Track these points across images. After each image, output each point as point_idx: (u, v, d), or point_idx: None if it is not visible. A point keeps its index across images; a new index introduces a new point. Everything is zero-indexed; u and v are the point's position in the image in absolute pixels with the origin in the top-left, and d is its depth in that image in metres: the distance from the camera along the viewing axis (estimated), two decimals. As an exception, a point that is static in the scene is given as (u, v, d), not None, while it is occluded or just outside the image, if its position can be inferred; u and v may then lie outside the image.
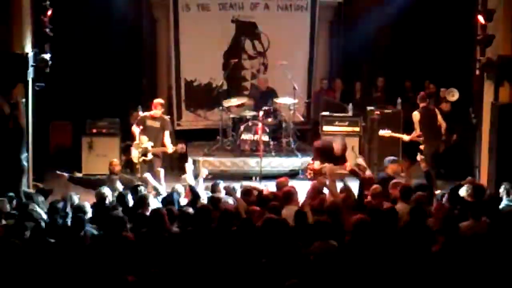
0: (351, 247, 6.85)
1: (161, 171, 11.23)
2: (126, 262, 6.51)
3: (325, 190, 9.16)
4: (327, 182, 9.13)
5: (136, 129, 11.54)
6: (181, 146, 11.75)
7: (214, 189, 9.64)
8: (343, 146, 11.22)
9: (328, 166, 10.20)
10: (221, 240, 7.00)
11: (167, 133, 11.65)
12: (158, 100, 11.82)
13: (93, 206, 8.77)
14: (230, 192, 9.34)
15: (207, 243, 6.93)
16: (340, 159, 10.98)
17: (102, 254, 6.72)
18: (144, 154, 11.29)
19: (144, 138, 11.36)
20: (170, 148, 11.56)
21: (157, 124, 11.59)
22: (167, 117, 12.07)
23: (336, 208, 8.06)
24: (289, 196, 8.57)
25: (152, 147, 11.34)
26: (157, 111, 11.57)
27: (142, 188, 9.49)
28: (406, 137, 11.91)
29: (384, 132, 12.06)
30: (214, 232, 7.28)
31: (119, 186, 10.01)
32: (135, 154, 11.39)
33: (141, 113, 11.90)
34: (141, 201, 8.56)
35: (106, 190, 9.16)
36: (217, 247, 6.81)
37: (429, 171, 10.39)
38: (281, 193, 8.86)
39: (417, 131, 11.79)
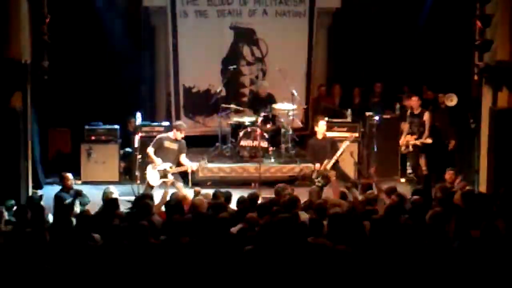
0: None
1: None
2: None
3: None
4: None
5: (151, 150, 11.28)
6: (204, 162, 11.82)
7: (215, 197, 9.62)
8: None
9: None
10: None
11: (183, 155, 11.46)
12: (183, 125, 11.62)
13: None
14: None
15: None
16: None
17: None
18: (164, 175, 11.18)
19: (158, 160, 11.24)
20: (191, 165, 11.37)
21: (175, 146, 11.39)
22: (184, 141, 11.63)
23: None
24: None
25: (170, 167, 11.23)
26: (179, 134, 11.37)
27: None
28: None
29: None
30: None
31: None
32: (152, 177, 11.23)
33: (139, 122, 11.76)
34: None
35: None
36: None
37: (429, 175, 10.40)
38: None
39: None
